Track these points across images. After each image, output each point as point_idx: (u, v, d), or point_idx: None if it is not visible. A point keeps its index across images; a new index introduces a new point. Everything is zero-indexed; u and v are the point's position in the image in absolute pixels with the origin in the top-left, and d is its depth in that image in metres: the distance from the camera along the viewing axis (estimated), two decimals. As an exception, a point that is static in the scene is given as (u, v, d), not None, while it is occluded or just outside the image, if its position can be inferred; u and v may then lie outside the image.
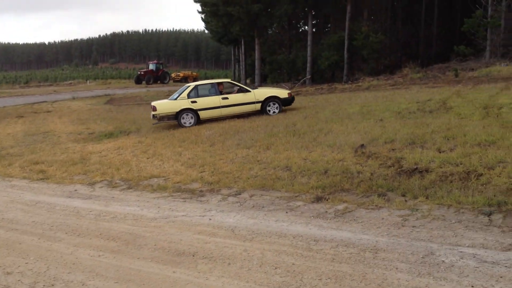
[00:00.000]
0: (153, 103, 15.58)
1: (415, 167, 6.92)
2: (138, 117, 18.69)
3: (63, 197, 8.07)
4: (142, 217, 6.48)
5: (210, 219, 6.13)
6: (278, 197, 6.74)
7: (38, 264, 5.01)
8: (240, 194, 7.17)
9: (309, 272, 4.29)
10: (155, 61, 68.18)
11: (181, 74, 68.96)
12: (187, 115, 15.03)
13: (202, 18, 45.20)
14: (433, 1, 38.55)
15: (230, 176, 8.06)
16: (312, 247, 4.86)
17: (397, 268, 4.17)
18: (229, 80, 16.50)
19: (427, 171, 6.69)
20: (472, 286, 3.71)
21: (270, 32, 43.48)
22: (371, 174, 6.98)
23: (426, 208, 5.54)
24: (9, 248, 5.59)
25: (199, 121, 15.15)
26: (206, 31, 55.59)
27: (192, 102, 15.07)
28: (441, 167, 6.68)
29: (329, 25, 43.45)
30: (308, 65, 34.42)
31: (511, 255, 4.16)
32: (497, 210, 5.17)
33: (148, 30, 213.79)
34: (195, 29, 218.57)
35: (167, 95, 35.45)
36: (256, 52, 36.69)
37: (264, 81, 39.21)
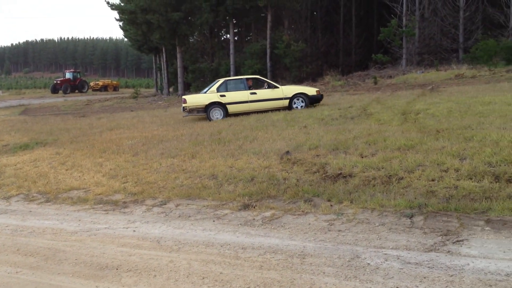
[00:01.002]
0: (184, 96, 16.21)
1: (339, 172, 7.04)
2: (55, 128, 17.81)
3: (-29, 213, 7.48)
4: (62, 231, 6.14)
5: (134, 231, 5.90)
6: (204, 206, 6.62)
7: None
8: (165, 204, 6.98)
9: (237, 280, 4.21)
10: (72, 70, 65.96)
11: (100, 83, 67.18)
12: (215, 109, 15.47)
13: (120, 26, 44.17)
14: (351, 11, 40.06)
15: (155, 186, 7.84)
16: (240, 255, 4.79)
17: (324, 273, 4.18)
18: (258, 76, 17.03)
19: (350, 176, 6.83)
20: (397, 287, 3.78)
21: (192, 40, 43.28)
22: (297, 180, 7.03)
23: (351, 212, 5.64)
24: None
25: (227, 115, 15.50)
26: (126, 39, 54.36)
27: (221, 96, 15.55)
28: (364, 172, 6.84)
29: (251, 34, 43.92)
30: (232, 73, 34.57)
31: (433, 255, 4.29)
32: (418, 212, 5.35)
33: (64, 38, 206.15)
34: (114, 37, 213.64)
35: (86, 104, 34.35)
36: (178, 60, 36.38)
37: (188, 90, 38.93)
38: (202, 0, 32.83)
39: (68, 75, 60.59)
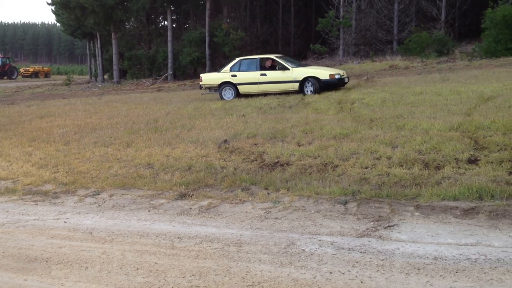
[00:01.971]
0: (201, 74, 16.44)
1: (276, 160, 7.09)
2: (-18, 115, 16.90)
3: None
4: (-14, 225, 5.82)
5: (65, 222, 5.70)
6: (140, 196, 6.49)
7: None
8: (98, 194, 6.78)
9: (173, 270, 4.15)
10: (0, 55, 62.59)
11: (31, 69, 64.36)
12: (227, 88, 15.07)
13: (52, 10, 42.22)
14: (290, 1, 40.37)
15: (88, 175, 7.59)
16: (176, 245, 4.72)
17: (260, 260, 4.19)
18: (273, 56, 15.35)
19: (288, 164, 6.89)
20: (331, 273, 3.85)
21: (128, 26, 42.15)
22: (235, 169, 7.02)
23: (288, 200, 5.69)
24: None
25: (238, 96, 14.92)
26: (58, 24, 52.08)
27: (233, 76, 15.03)
28: (301, 160, 6.93)
29: (190, 21, 43.35)
30: (170, 61, 34.00)
31: (366, 241, 4.40)
32: (352, 199, 5.47)
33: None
34: (46, 22, 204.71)
35: (15, 91, 32.77)
36: (114, 47, 35.31)
37: (124, 77, 37.97)
38: (139, -16, 32.01)
39: (-4, 61, 57.58)
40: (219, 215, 5.53)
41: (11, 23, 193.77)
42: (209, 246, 4.61)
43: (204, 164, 7.36)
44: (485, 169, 5.67)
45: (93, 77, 47.67)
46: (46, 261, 4.54)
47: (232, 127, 9.68)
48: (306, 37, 39.58)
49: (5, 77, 55.28)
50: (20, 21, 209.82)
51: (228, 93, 15.08)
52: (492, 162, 5.82)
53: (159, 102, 16.63)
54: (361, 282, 3.66)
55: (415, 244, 4.23)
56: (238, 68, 15.14)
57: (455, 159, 6.08)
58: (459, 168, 5.85)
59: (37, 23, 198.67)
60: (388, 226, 4.68)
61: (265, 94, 14.44)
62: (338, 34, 33.27)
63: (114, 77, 35.64)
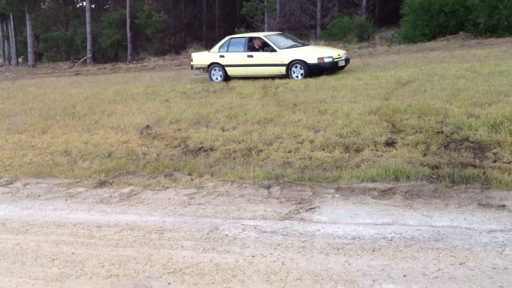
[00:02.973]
0: (192, 54, 15.24)
1: (200, 146, 7.01)
2: None
3: None
4: None
5: (-27, 215, 5.34)
6: (56, 184, 6.20)
7: None
8: (12, 183, 6.42)
9: (91, 260, 4.01)
10: None
11: None
12: (216, 69, 13.95)
13: (-40, -11, 39.26)
14: (213, -17, 39.95)
15: (0, 164, 7.16)
16: (95, 234, 4.56)
17: (182, 246, 4.14)
18: (261, 35, 13.83)
19: (212, 149, 6.83)
20: (253, 256, 3.86)
21: (44, 7, 40.04)
22: (157, 155, 6.87)
23: (211, 185, 5.64)
24: None
25: (227, 78, 13.72)
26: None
27: (221, 56, 13.89)
28: (225, 145, 6.89)
29: (110, 2, 41.83)
30: (88, 43, 32.67)
31: (288, 223, 4.46)
32: (275, 183, 5.51)
33: None
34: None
35: None
36: (28, 28, 33.49)
37: (40, 60, 36.12)
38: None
39: None
40: (140, 202, 5.39)
41: None
42: (130, 234, 4.49)
43: (125, 151, 7.15)
44: (401, 151, 5.90)
45: (6, 61, 44.96)
46: (-48, 257, 4.24)
47: (155, 112, 9.47)
48: (231, 21, 39.38)
49: None
50: None
51: (216, 75, 13.94)
52: (408, 145, 6.06)
53: (77, 87, 15.97)
54: (283, 264, 3.70)
55: (335, 225, 4.33)
56: (227, 48, 13.95)
57: (374, 142, 6.29)
58: (377, 150, 6.05)
59: None
60: (310, 208, 4.76)
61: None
62: (263, 18, 33.35)
63: (29, 60, 33.84)
